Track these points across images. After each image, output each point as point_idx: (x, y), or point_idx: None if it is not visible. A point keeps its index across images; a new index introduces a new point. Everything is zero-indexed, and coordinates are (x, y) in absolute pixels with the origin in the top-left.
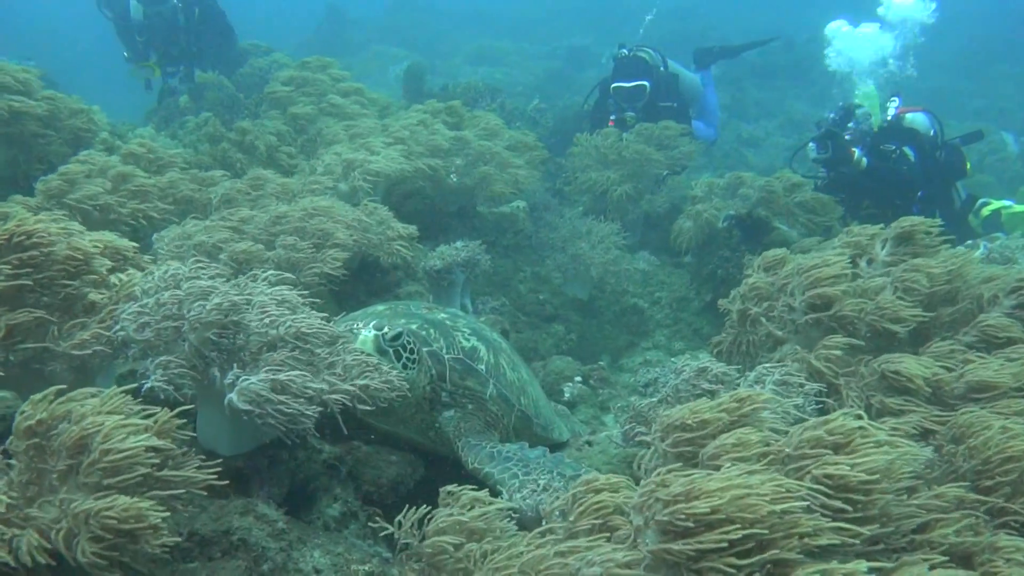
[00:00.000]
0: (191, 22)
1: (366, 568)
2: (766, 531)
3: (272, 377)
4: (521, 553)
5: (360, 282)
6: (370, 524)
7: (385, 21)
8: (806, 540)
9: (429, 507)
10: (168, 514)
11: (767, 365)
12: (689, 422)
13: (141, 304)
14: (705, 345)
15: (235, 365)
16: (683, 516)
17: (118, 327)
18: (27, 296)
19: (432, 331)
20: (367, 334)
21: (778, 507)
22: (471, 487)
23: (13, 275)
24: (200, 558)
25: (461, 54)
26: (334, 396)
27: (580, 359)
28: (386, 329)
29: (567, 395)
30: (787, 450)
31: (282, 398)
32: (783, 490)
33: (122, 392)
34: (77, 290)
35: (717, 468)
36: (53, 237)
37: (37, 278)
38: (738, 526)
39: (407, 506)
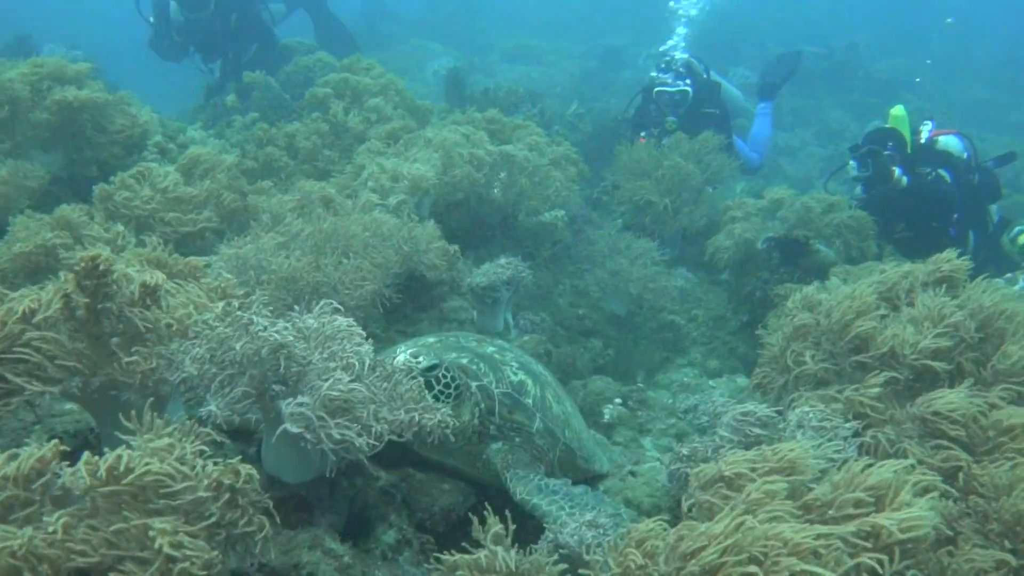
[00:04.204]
0: (227, 27)
1: None
2: None
3: (321, 394)
4: None
5: (407, 297)
6: (423, 553)
7: (423, 15)
8: None
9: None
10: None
11: (808, 410)
12: (726, 474)
13: (199, 346)
14: (741, 366)
15: (301, 395)
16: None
17: (179, 372)
18: (105, 323)
19: (482, 365)
20: (401, 359)
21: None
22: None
23: (92, 303)
24: None
25: (498, 51)
26: (386, 427)
27: (616, 374)
28: (421, 358)
29: (607, 417)
30: (830, 511)
31: (334, 422)
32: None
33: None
34: (145, 320)
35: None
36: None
37: (110, 308)
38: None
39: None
